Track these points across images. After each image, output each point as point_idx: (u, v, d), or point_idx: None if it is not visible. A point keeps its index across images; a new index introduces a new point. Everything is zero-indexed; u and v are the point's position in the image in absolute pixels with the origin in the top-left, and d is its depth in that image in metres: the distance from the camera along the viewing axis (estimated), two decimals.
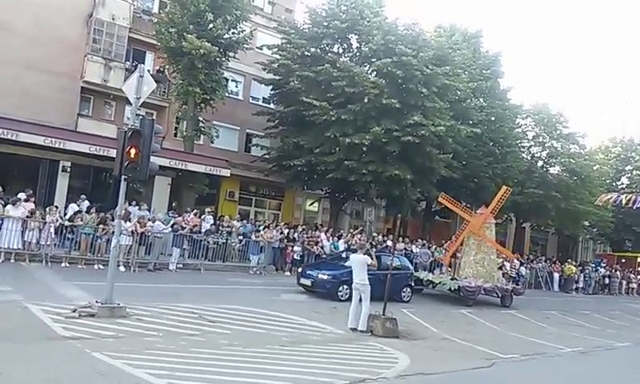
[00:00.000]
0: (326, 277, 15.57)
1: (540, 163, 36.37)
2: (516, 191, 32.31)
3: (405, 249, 23.86)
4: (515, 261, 27.53)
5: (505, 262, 28.61)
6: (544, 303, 22.88)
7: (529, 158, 35.93)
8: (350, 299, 14.37)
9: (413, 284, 17.66)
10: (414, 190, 24.88)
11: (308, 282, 15.79)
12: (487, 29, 61.55)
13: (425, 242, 25.94)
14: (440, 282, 19.02)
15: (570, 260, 34.92)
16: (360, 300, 11.54)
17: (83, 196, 18.78)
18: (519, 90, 76.50)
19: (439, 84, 23.66)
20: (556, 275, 31.19)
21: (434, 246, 25.45)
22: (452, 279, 19.30)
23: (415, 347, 10.66)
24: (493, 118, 30.38)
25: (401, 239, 24.03)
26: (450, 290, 18.65)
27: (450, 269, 21.72)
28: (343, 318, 11.85)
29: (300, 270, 17.01)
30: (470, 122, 26.74)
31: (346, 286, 15.00)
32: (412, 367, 8.86)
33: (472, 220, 20.34)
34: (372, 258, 11.93)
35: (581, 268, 33.59)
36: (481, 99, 30.39)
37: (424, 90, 23.00)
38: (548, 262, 33.00)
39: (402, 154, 23.55)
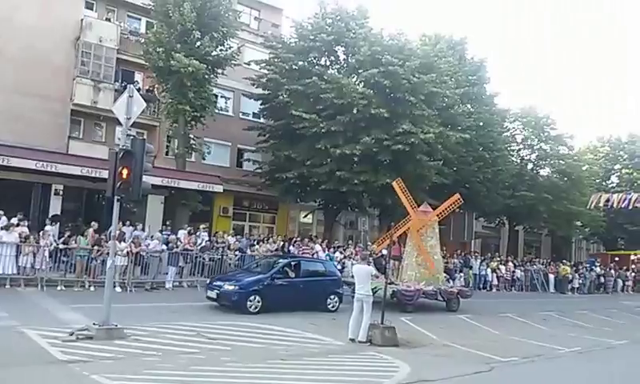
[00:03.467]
0: (232, 287, 14.09)
1: (530, 166, 36.72)
2: (507, 194, 32.64)
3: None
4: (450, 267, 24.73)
5: (500, 265, 28.83)
6: (541, 305, 22.96)
7: (518, 161, 36.27)
8: (261, 311, 13.88)
9: (341, 291, 15.76)
10: None
11: (213, 295, 14.23)
12: (471, 36, 62.36)
13: None
14: (375, 288, 17.65)
15: (564, 260, 35.15)
16: (361, 311, 11.49)
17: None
18: (505, 94, 77.39)
19: (426, 92, 23.85)
20: (551, 277, 31.31)
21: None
22: (390, 283, 17.43)
23: (415, 355, 10.69)
24: (481, 123, 30.57)
25: None
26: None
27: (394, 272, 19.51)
28: (341, 329, 11.86)
29: (208, 281, 15.51)
30: (459, 128, 26.93)
31: (256, 297, 13.90)
32: (412, 375, 8.89)
33: (415, 217, 18.90)
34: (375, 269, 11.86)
35: (575, 268, 33.79)
36: (468, 105, 30.59)
37: (412, 98, 23.18)
38: (543, 263, 33.21)
39: (393, 162, 23.66)
